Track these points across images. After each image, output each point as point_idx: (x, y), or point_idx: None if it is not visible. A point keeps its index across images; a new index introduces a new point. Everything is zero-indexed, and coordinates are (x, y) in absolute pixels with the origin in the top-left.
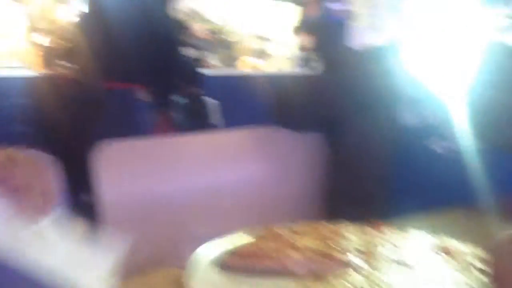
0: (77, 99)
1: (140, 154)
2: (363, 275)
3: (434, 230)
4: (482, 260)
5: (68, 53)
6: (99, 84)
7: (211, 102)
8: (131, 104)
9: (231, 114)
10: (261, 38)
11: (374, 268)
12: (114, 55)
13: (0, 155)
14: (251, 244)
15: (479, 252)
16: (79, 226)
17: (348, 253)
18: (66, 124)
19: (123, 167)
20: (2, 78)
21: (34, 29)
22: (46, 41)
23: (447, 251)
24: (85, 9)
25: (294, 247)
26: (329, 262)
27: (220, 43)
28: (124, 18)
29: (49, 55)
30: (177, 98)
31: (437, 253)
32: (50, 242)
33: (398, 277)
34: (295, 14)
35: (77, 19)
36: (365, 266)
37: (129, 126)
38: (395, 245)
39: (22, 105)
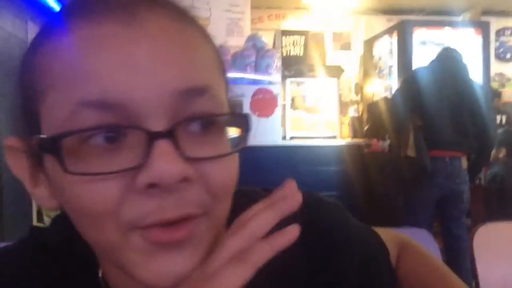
0: (386, 168)
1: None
2: None
3: None
4: None
5: (375, 126)
6: (420, 154)
7: None
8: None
9: None
10: None
11: None
12: (433, 126)
13: None
14: None
15: None
16: None
17: None
18: (375, 191)
19: (500, 250)
20: (318, 147)
21: (345, 101)
22: (355, 112)
23: None
24: (398, 83)
25: None
26: None
27: None
28: (436, 89)
29: (358, 126)
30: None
31: None
32: None
33: None
34: None
35: (388, 93)
36: None
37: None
38: None
39: (336, 171)
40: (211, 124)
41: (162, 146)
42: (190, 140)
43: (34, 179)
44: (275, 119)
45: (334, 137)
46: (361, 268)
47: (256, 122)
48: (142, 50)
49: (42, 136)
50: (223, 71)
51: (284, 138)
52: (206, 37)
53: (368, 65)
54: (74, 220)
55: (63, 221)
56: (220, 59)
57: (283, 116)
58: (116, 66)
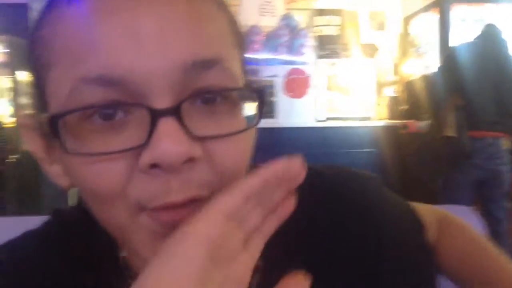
0: (423, 149)
1: None
2: None
3: None
4: None
5: (413, 106)
6: (460, 134)
7: None
8: (497, 152)
9: None
10: None
11: None
12: (474, 105)
13: None
14: None
15: None
16: None
17: None
18: (411, 174)
19: None
20: (352, 128)
21: (381, 81)
22: (392, 93)
23: None
24: (438, 61)
25: None
26: None
27: None
28: (478, 68)
29: (395, 107)
30: None
31: None
32: None
33: None
34: None
35: (427, 72)
36: None
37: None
38: None
39: (371, 153)
40: (221, 99)
41: (166, 125)
42: (197, 117)
43: (49, 156)
44: (308, 100)
45: (369, 118)
46: (392, 242)
47: (289, 103)
48: (146, 20)
49: (46, 114)
50: (239, 43)
51: (317, 119)
52: (219, 5)
53: (406, 43)
54: (85, 199)
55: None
56: (236, 30)
57: (317, 97)
58: (118, 39)
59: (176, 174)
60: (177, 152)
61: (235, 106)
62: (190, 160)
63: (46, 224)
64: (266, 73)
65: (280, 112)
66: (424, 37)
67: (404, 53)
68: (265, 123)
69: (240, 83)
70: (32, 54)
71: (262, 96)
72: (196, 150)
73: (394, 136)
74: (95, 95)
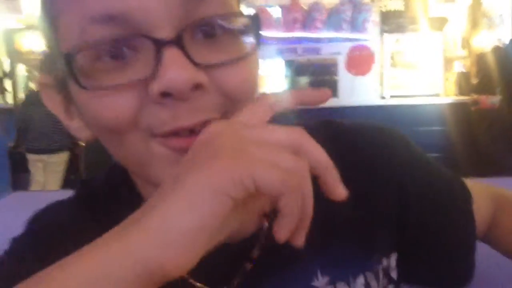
0: (495, 125)
1: None
2: None
3: None
4: None
5: (484, 80)
6: None
7: None
8: None
9: None
10: None
11: None
12: None
13: None
14: None
15: None
16: None
17: None
18: (482, 152)
19: None
20: (419, 106)
21: (449, 56)
22: (461, 68)
23: None
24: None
25: None
26: None
27: None
28: None
29: (465, 83)
30: None
31: None
32: None
33: None
34: None
35: (498, 46)
36: None
37: None
38: None
39: (439, 131)
40: (220, 31)
41: (171, 54)
42: (200, 47)
43: (69, 112)
44: (372, 77)
45: (437, 95)
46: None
47: (352, 81)
48: None
49: (59, 58)
50: None
51: (382, 97)
52: None
53: (477, 15)
54: (103, 140)
55: (111, 170)
56: None
57: (381, 74)
58: None
59: (186, 102)
60: (184, 78)
61: (235, 35)
62: (198, 87)
63: (76, 194)
64: (328, 50)
65: (343, 90)
66: (497, 6)
67: (474, 25)
68: (326, 102)
69: (236, 11)
70: (45, 6)
71: (258, 21)
72: (201, 76)
73: (464, 112)
74: (101, 33)
